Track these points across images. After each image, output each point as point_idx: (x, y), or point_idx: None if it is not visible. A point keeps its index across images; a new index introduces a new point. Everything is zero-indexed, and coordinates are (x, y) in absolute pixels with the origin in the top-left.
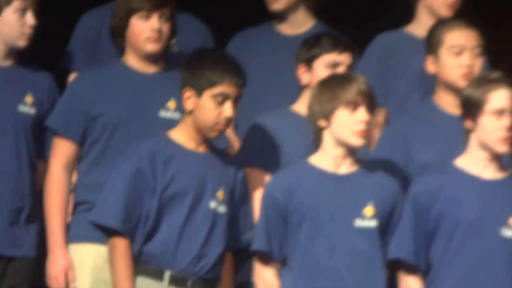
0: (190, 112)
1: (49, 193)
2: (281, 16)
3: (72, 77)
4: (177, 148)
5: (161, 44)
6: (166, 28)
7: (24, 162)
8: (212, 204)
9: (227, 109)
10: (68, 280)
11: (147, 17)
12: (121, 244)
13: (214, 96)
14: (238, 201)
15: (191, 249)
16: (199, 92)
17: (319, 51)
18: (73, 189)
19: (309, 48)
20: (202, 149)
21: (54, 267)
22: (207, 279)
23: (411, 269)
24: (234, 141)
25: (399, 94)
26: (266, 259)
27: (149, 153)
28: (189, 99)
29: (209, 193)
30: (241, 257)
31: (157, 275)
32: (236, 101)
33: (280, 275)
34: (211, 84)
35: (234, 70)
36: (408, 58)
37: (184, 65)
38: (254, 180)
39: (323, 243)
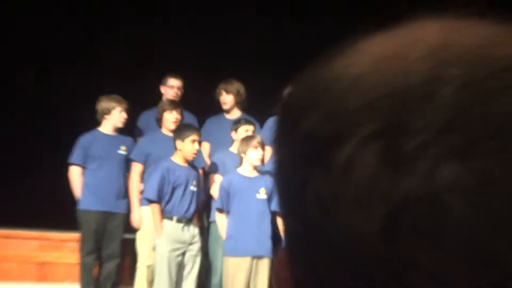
0: (179, 149)
1: (131, 187)
2: (228, 110)
3: (138, 140)
4: (176, 165)
5: (177, 124)
6: (179, 117)
7: (121, 174)
8: (192, 188)
9: (196, 146)
10: (140, 223)
11: (171, 112)
12: (155, 206)
13: (190, 141)
14: (199, 185)
15: (184, 207)
16: (182, 139)
17: (240, 125)
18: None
19: (236, 124)
20: (186, 164)
21: (134, 216)
22: (190, 219)
23: None
24: (208, 162)
25: None
26: (221, 211)
27: (166, 167)
28: (178, 144)
29: (190, 183)
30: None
31: (170, 218)
32: (199, 142)
33: (227, 218)
34: (187, 136)
35: (196, 129)
36: None
37: (175, 132)
38: (215, 179)
39: (244, 205)
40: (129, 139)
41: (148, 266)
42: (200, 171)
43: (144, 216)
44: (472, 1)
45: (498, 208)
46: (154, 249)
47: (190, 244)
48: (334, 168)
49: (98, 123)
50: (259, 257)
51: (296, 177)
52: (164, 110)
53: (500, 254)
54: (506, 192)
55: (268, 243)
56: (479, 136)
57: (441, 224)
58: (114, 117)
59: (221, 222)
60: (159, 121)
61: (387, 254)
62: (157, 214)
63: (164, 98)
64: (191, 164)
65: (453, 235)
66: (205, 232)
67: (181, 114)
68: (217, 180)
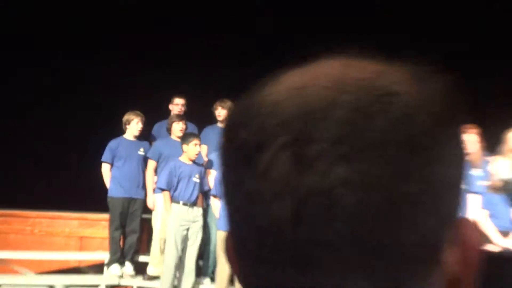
0: (185, 151)
1: (147, 178)
2: (221, 121)
3: (153, 143)
4: (182, 162)
5: (183, 132)
6: (184, 127)
7: (140, 170)
8: (194, 179)
9: (198, 148)
10: (153, 205)
11: (177, 123)
12: (166, 193)
13: (192, 144)
14: (202, 177)
15: (188, 194)
16: (187, 144)
17: None
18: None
19: None
20: (190, 162)
21: (149, 201)
22: (194, 203)
23: None
24: (205, 160)
25: None
26: (215, 196)
27: (173, 164)
28: (184, 147)
29: (193, 176)
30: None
31: (177, 202)
32: (200, 145)
33: (220, 202)
34: (191, 141)
35: (197, 135)
36: None
37: (181, 138)
38: (210, 173)
39: None
40: (146, 143)
41: (161, 239)
42: None
43: (157, 201)
44: (363, 46)
45: (377, 200)
46: (165, 225)
47: (193, 222)
48: (258, 169)
49: (124, 131)
50: None
51: (232, 175)
52: (172, 122)
53: (377, 234)
54: (383, 188)
55: None
56: (363, 146)
57: (334, 212)
58: (132, 126)
59: (215, 204)
60: (169, 130)
61: (296, 235)
62: (167, 199)
63: (172, 113)
64: (194, 162)
65: (343, 220)
66: (205, 213)
67: (186, 124)
68: (212, 174)
